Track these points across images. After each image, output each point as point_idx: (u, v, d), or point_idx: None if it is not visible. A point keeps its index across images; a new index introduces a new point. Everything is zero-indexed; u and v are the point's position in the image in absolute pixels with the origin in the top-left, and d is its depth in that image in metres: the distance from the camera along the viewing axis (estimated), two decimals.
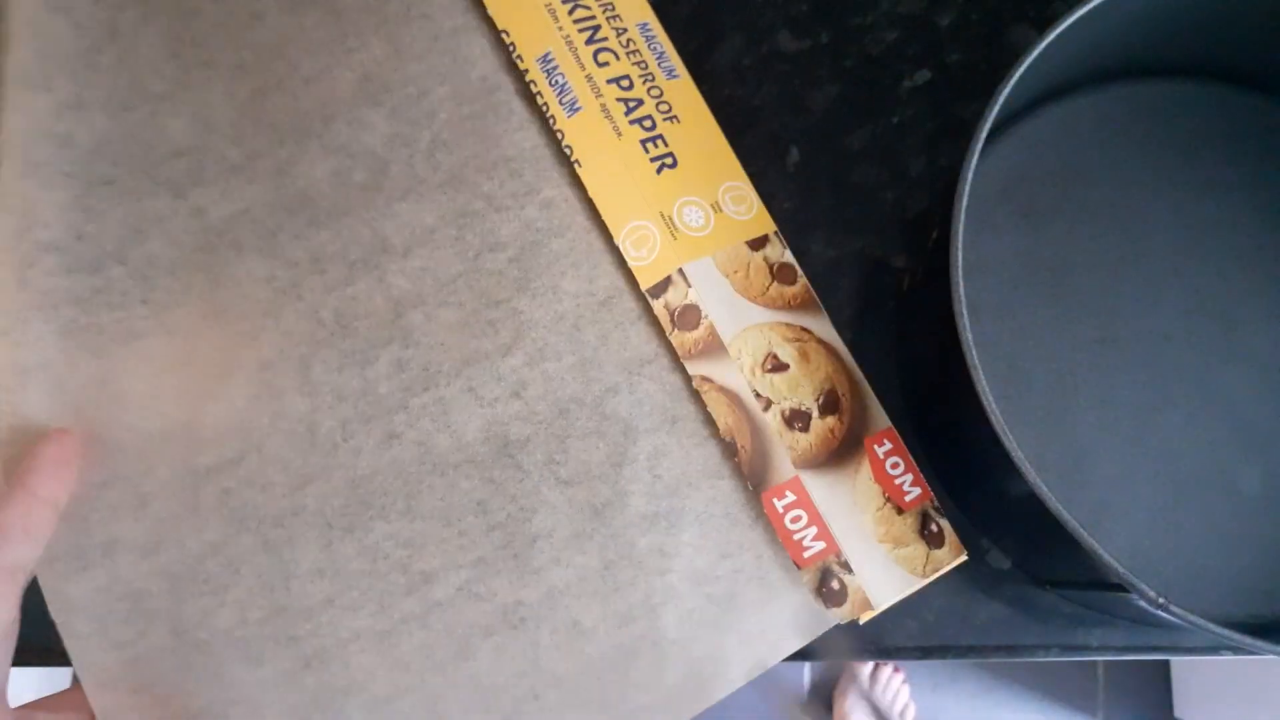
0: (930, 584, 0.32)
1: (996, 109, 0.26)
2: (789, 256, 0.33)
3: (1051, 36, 0.26)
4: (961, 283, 0.25)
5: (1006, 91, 0.26)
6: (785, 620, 0.31)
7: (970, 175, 0.25)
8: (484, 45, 0.34)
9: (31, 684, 0.93)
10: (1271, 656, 0.24)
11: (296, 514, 0.31)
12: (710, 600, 0.31)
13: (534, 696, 0.30)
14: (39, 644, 0.31)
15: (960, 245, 0.25)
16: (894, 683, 1.05)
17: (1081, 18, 0.27)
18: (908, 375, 0.33)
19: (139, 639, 0.29)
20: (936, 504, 0.32)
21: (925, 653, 0.32)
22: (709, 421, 0.32)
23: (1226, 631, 0.23)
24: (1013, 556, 0.32)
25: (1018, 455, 0.23)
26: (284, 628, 0.30)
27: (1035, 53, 0.26)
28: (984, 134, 0.26)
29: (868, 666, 1.05)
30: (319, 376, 0.31)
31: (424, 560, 0.31)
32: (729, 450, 0.31)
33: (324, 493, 0.31)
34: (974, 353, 0.24)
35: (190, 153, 0.32)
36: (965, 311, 0.24)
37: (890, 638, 0.32)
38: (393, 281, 0.32)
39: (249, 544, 0.30)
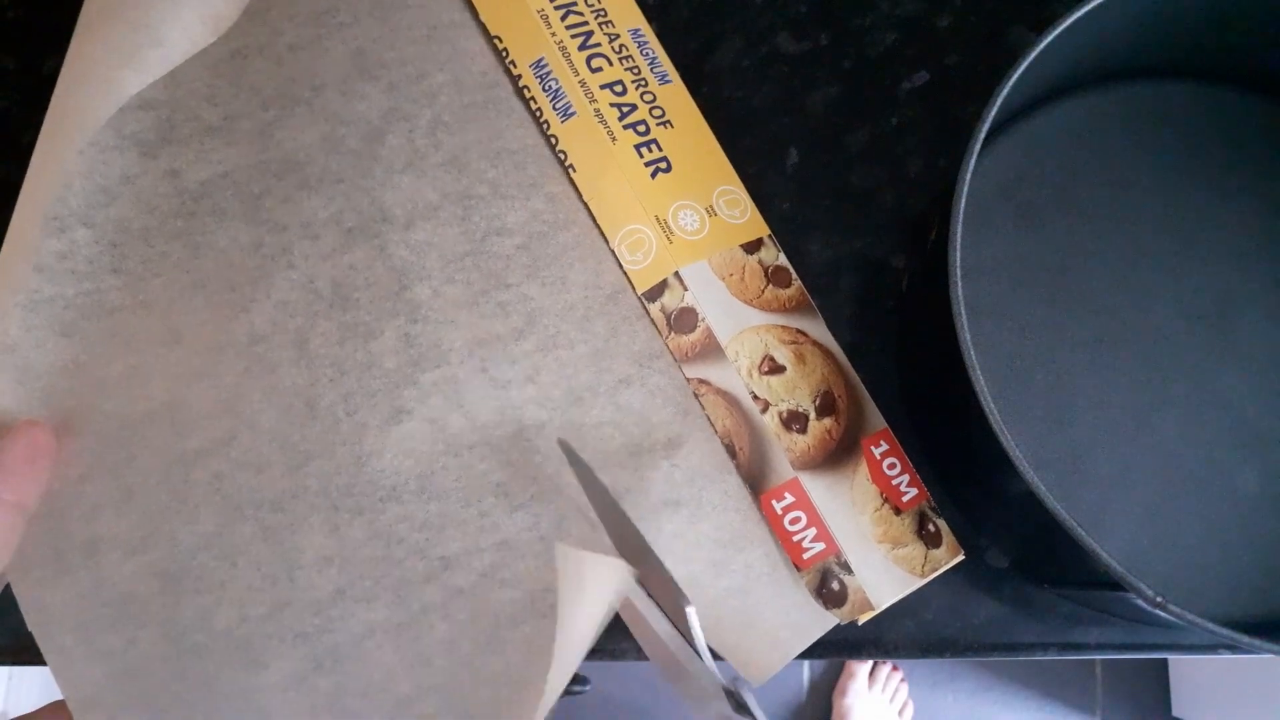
0: (928, 583, 0.32)
1: (995, 110, 0.26)
2: (784, 260, 0.33)
3: (1049, 38, 0.27)
4: (960, 283, 0.25)
5: (1005, 92, 0.26)
6: (791, 619, 0.31)
7: (969, 176, 0.25)
8: (481, 44, 0.34)
9: (36, 683, 0.93)
10: (1269, 655, 0.24)
11: (297, 496, 0.28)
12: (729, 593, 0.30)
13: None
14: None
15: (958, 245, 0.25)
16: (893, 681, 1.06)
17: (1079, 19, 0.27)
18: (906, 375, 0.33)
19: (128, 647, 0.26)
20: (934, 504, 0.32)
21: (924, 651, 0.32)
22: None
23: (1224, 630, 0.23)
24: (1010, 556, 0.32)
25: (1016, 454, 0.23)
26: (290, 624, 0.27)
27: (1033, 54, 0.26)
28: (982, 135, 0.26)
29: (866, 665, 1.05)
30: (317, 349, 0.29)
31: (443, 544, 0.28)
32: (729, 452, 0.31)
33: (327, 471, 0.28)
34: (972, 352, 0.24)
35: (158, 107, 0.30)
36: (963, 311, 0.24)
37: (889, 636, 0.32)
38: (394, 252, 0.30)
39: (246, 533, 0.27)
